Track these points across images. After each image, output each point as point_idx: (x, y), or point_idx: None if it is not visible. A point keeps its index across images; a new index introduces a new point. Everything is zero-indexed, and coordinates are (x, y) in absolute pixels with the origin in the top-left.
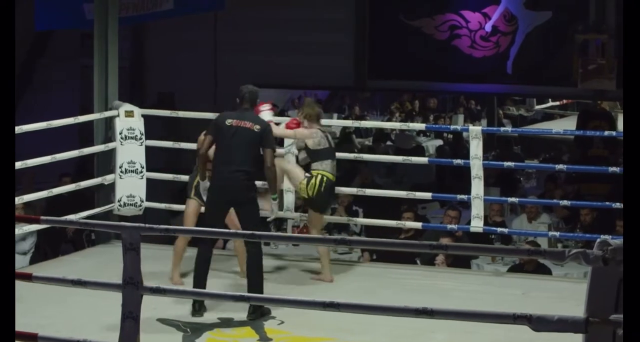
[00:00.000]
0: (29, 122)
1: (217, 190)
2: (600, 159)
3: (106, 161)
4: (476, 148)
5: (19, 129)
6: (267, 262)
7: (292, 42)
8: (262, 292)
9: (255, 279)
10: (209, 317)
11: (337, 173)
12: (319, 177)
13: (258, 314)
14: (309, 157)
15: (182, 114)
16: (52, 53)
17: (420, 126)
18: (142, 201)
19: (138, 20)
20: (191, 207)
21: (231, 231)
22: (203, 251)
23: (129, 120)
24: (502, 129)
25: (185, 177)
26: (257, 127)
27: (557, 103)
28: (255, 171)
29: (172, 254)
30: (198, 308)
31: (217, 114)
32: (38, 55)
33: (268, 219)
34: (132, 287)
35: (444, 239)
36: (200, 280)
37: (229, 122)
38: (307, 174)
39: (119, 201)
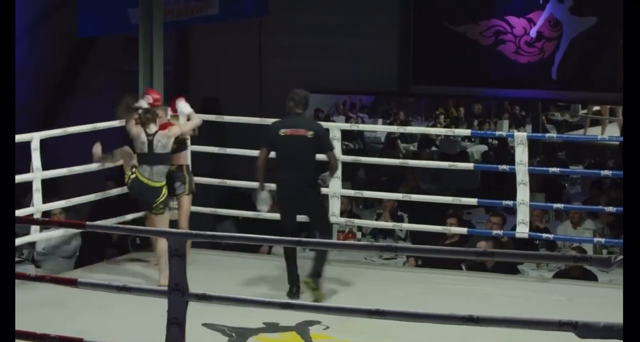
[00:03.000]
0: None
1: (284, 198)
2: None
3: None
4: (521, 154)
5: (63, 131)
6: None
7: (336, 48)
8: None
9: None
10: (254, 322)
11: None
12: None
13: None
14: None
15: (227, 118)
16: (95, 59)
17: (466, 132)
18: None
19: (183, 25)
20: (189, 204)
21: (276, 237)
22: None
23: None
24: (547, 135)
25: (230, 182)
26: (310, 133)
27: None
28: (316, 174)
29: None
30: (295, 291)
31: (261, 119)
32: (81, 61)
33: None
34: (177, 294)
35: (481, 242)
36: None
37: (282, 132)
38: None
39: None
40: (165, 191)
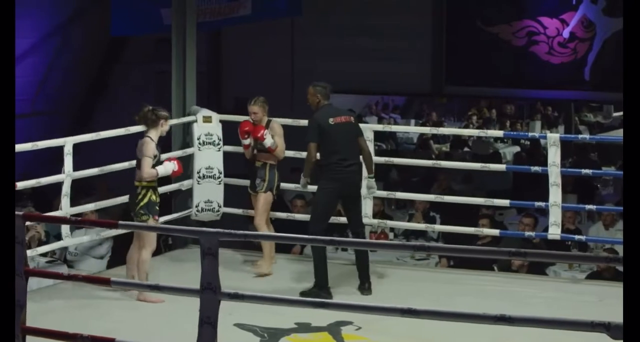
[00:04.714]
0: (103, 128)
1: (337, 185)
2: None
3: (184, 166)
4: (554, 155)
5: (96, 135)
6: (344, 268)
7: (369, 48)
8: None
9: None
10: (286, 322)
11: None
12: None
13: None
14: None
15: None
16: (128, 58)
17: (498, 133)
18: (220, 207)
19: (216, 25)
20: (265, 202)
21: (305, 236)
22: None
23: (207, 125)
24: (580, 136)
25: None
26: (352, 118)
27: None
28: (360, 161)
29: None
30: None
31: (294, 120)
32: (113, 61)
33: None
34: (210, 293)
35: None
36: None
37: (331, 121)
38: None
39: (196, 207)
40: (142, 197)
